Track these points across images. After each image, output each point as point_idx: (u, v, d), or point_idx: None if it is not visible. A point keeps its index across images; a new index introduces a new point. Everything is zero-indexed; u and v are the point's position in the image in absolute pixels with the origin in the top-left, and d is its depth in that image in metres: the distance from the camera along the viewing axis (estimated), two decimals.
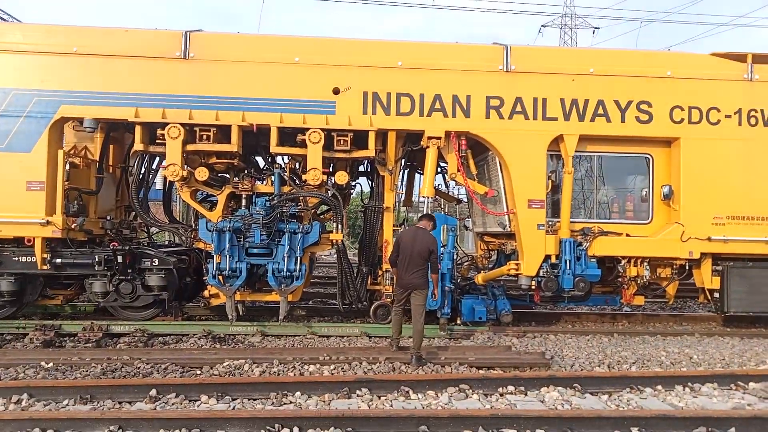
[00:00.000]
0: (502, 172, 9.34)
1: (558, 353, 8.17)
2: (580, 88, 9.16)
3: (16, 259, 8.81)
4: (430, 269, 7.56)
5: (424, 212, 9.34)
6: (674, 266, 9.42)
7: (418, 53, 9.21)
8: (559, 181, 9.34)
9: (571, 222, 9.24)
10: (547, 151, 9.16)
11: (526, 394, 6.22)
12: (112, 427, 4.91)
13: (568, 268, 9.01)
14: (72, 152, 9.58)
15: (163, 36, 8.93)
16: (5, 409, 5.52)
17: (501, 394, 6.20)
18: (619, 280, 9.56)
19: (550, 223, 9.22)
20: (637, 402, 6.08)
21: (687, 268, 9.43)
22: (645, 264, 9.32)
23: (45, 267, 8.72)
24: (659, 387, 6.51)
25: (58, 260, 8.80)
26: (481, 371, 7.10)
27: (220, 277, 8.77)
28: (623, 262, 9.34)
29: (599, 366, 7.67)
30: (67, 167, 9.01)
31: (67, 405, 5.67)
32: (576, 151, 9.18)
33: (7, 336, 8.53)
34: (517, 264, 9.20)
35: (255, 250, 8.89)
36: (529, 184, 9.05)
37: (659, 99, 9.21)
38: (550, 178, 9.30)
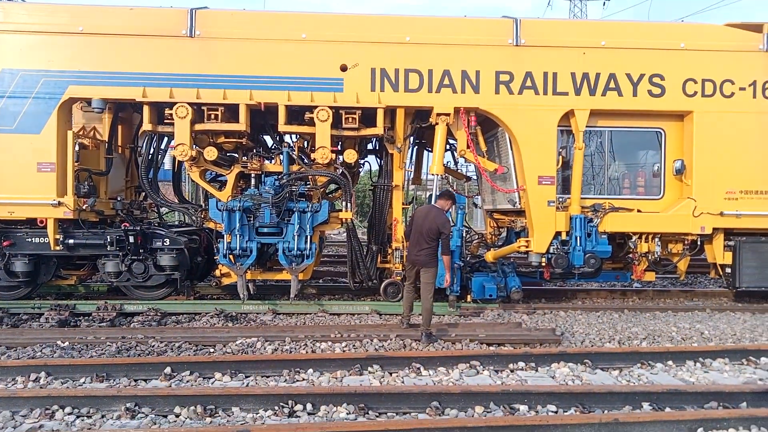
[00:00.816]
0: (512, 148, 9.26)
1: (568, 329, 8.19)
2: (591, 62, 9.01)
3: (30, 240, 8.90)
4: (441, 249, 7.50)
5: (434, 190, 9.32)
6: (686, 242, 9.36)
7: (426, 28, 9.08)
8: (570, 157, 9.25)
9: (582, 198, 9.17)
10: (558, 126, 9.06)
11: (536, 370, 6.26)
12: (128, 404, 4.99)
13: (578, 244, 8.98)
14: (81, 133, 9.60)
15: (168, 14, 8.85)
16: (24, 386, 5.63)
17: (512, 371, 6.24)
18: (630, 256, 9.52)
19: (561, 199, 9.16)
20: (647, 377, 6.10)
21: (699, 243, 9.37)
22: (656, 240, 9.27)
23: (58, 248, 8.80)
24: (670, 362, 6.53)
25: (71, 241, 8.87)
26: (491, 348, 7.15)
27: (231, 257, 8.82)
28: (634, 238, 9.29)
29: (610, 342, 7.68)
30: (77, 148, 9.03)
31: (84, 383, 5.78)
32: (587, 126, 9.07)
33: (23, 316, 8.66)
34: (527, 241, 9.19)
35: (265, 230, 8.92)
36: (539, 161, 8.97)
37: (672, 72, 9.06)
38: (560, 153, 9.21)
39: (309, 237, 8.83)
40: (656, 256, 9.30)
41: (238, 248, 8.74)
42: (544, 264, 9.26)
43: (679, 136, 9.35)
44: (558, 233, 9.04)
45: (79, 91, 8.70)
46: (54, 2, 8.98)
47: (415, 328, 7.67)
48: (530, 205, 9.00)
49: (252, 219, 8.85)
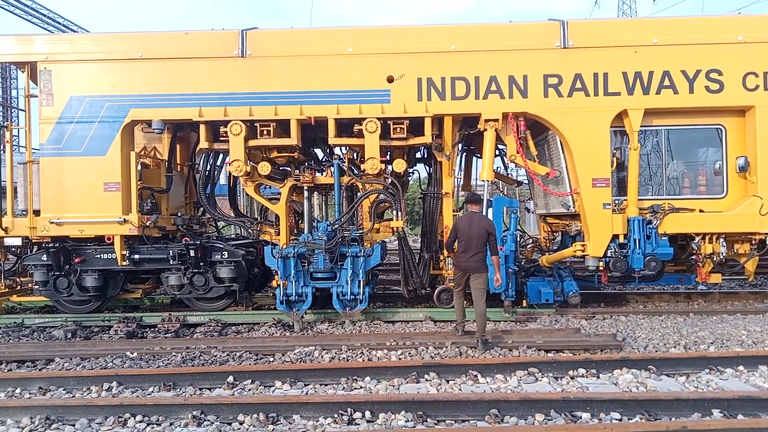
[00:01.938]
0: (563, 151, 9.12)
1: (630, 335, 7.96)
2: (643, 60, 8.79)
3: (99, 256, 9.38)
4: (490, 252, 7.52)
5: (481, 196, 9.27)
6: (753, 241, 8.95)
7: (471, 35, 9.08)
8: (625, 158, 9.02)
9: (639, 200, 8.93)
10: (611, 127, 8.86)
11: (598, 377, 6.12)
12: (195, 412, 5.18)
13: (637, 247, 8.72)
14: (143, 153, 10.06)
15: (220, 36, 9.19)
16: (98, 395, 5.93)
17: (572, 377, 6.12)
18: (694, 257, 9.17)
19: (617, 201, 8.94)
20: (717, 383, 5.87)
21: (767, 242, 8.93)
22: (721, 240, 8.90)
23: (124, 263, 9.23)
24: (741, 368, 6.25)
25: (136, 256, 9.30)
26: (549, 354, 7.03)
27: (288, 303, 8.88)
28: (697, 239, 8.95)
29: (675, 347, 7.41)
30: (139, 167, 9.48)
31: (152, 392, 6.03)
32: (642, 126, 8.83)
33: (95, 328, 9.12)
34: (583, 245, 8.99)
35: (319, 275, 8.96)
36: (592, 163, 8.80)
37: (730, 66, 8.72)
38: (614, 155, 9.00)
39: (361, 281, 8.82)
40: (722, 257, 8.92)
41: (294, 294, 8.81)
42: (601, 268, 9.04)
43: (741, 132, 8.97)
44: (615, 236, 8.82)
45: (140, 113, 9.15)
46: (116, 31, 9.49)
47: (470, 335, 7.63)
48: (585, 208, 8.82)
49: (306, 264, 8.91)
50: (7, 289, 10.26)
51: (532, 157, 9.32)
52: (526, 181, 11.37)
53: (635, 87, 8.79)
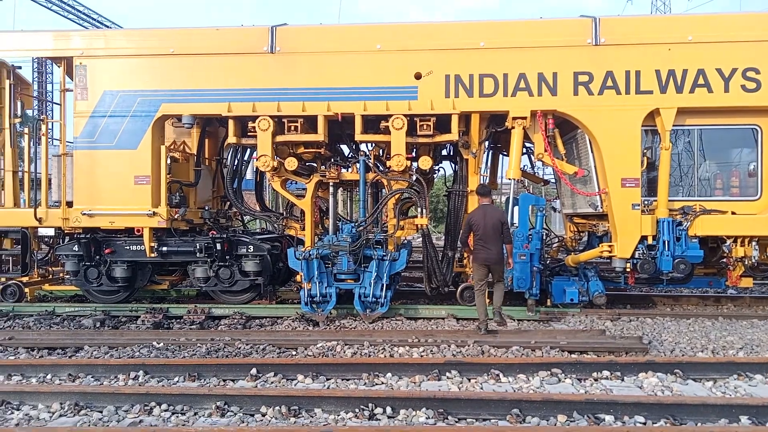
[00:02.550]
0: (592, 150, 8.98)
1: (656, 337, 7.82)
2: (677, 58, 8.60)
3: (128, 248, 9.58)
4: (504, 240, 7.86)
5: (510, 195, 9.21)
6: None
7: (500, 32, 9.01)
8: (656, 158, 8.85)
9: (670, 200, 8.74)
10: (642, 126, 8.69)
11: (622, 380, 6.03)
12: (218, 403, 5.26)
13: (666, 249, 8.55)
14: (172, 147, 10.23)
15: (251, 32, 9.28)
16: (125, 384, 6.06)
17: (595, 379, 6.04)
18: (724, 260, 8.97)
19: (646, 202, 8.78)
20: (745, 389, 5.73)
21: None
22: (753, 243, 8.68)
23: (153, 255, 9.41)
24: None
25: (164, 248, 9.47)
26: (573, 355, 6.95)
27: (312, 304, 8.92)
28: (729, 241, 8.74)
29: (702, 351, 7.25)
30: (169, 161, 9.64)
31: (177, 381, 6.14)
32: (674, 125, 8.65)
33: (122, 318, 9.32)
34: (610, 246, 8.85)
35: (343, 276, 8.96)
36: (622, 162, 8.65)
37: None
38: (645, 154, 8.82)
39: (384, 285, 8.80)
40: (754, 260, 8.71)
41: (318, 295, 8.83)
42: (628, 269, 8.89)
43: None
44: (644, 237, 8.66)
45: (171, 108, 9.30)
46: (150, 27, 9.66)
47: (492, 334, 7.61)
48: (613, 209, 8.68)
49: (330, 265, 8.92)
50: (39, 278, 10.56)
51: (560, 156, 9.20)
52: (553, 180, 11.25)
53: (668, 85, 8.61)
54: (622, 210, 8.65)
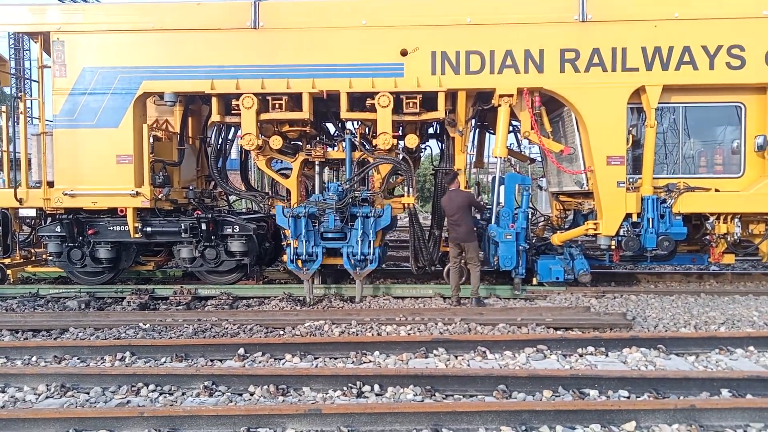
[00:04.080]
0: (578, 128, 8.98)
1: (640, 314, 7.93)
2: (663, 35, 8.58)
3: (111, 228, 9.47)
4: (479, 213, 8.57)
5: (497, 173, 9.20)
6: None
7: (487, 8, 8.89)
8: (641, 136, 8.88)
9: (654, 178, 8.80)
10: (628, 104, 8.70)
11: (607, 355, 6.11)
12: (206, 383, 5.25)
13: (650, 226, 8.64)
14: (155, 126, 10.07)
15: (233, 7, 9.09)
16: (112, 365, 6.03)
17: (581, 355, 6.12)
18: (707, 238, 9.08)
19: (631, 180, 8.83)
20: (726, 363, 5.84)
21: None
22: (736, 220, 8.79)
23: (137, 235, 9.32)
24: (751, 348, 6.22)
25: (149, 229, 9.37)
26: (558, 332, 7.02)
27: (298, 262, 8.97)
28: (711, 219, 8.84)
29: (685, 327, 7.38)
30: (152, 140, 9.48)
31: (164, 362, 6.12)
32: (659, 103, 8.67)
33: (108, 299, 9.24)
34: (595, 224, 8.92)
35: (330, 235, 9.01)
36: (607, 140, 8.67)
37: (753, 42, 8.48)
38: (630, 132, 8.85)
39: (372, 242, 8.86)
40: (736, 237, 8.82)
41: (304, 253, 8.87)
42: (613, 247, 8.98)
43: (761, 110, 8.75)
44: (629, 215, 8.73)
45: (152, 85, 9.12)
46: (129, 1, 9.43)
47: (471, 308, 7.94)
48: (599, 187, 8.73)
49: (317, 224, 8.96)
50: (22, 260, 10.42)
51: (547, 134, 9.20)
52: (540, 159, 11.26)
53: (654, 62, 8.60)
54: (607, 188, 8.69)
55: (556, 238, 9.46)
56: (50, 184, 9.40)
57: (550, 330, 7.13)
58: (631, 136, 8.84)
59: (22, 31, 10.91)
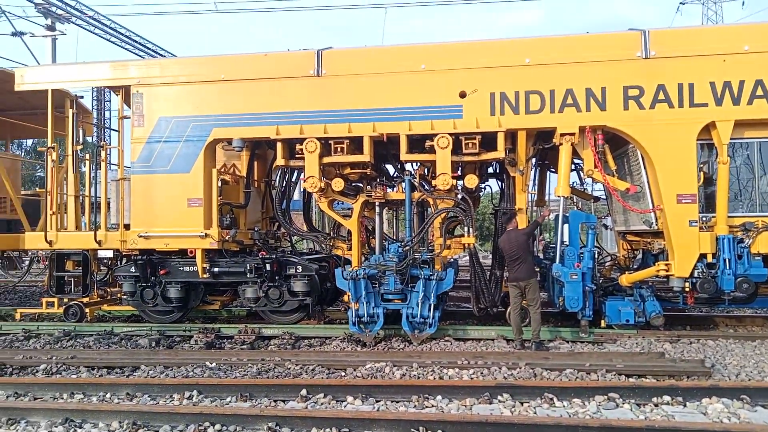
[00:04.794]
0: (645, 165, 8.73)
1: (720, 361, 7.46)
2: (733, 69, 8.31)
3: (182, 269, 9.86)
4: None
5: (560, 212, 9.02)
6: None
7: (545, 48, 8.91)
8: (713, 173, 8.52)
9: (729, 216, 8.38)
10: (697, 140, 8.40)
11: (684, 405, 5.75)
12: (270, 424, 5.29)
13: (727, 267, 8.18)
14: (223, 170, 10.51)
15: (297, 57, 9.50)
16: (180, 403, 6.18)
17: (656, 405, 5.79)
18: None
19: (704, 218, 8.44)
20: None
21: None
22: None
23: (205, 275, 9.64)
24: None
25: (216, 269, 9.69)
26: (631, 379, 6.68)
27: (360, 324, 8.92)
28: None
29: None
30: (220, 184, 9.90)
31: (229, 401, 6.22)
32: (731, 138, 8.33)
33: (176, 338, 9.55)
34: (667, 264, 8.53)
35: (390, 296, 8.96)
36: (677, 178, 8.37)
37: None
38: (701, 169, 8.51)
39: (432, 305, 8.73)
40: None
41: (365, 315, 8.86)
42: (687, 289, 8.54)
43: None
44: (703, 255, 8.32)
45: (222, 132, 9.58)
46: (202, 55, 10.03)
47: (540, 354, 7.51)
48: (669, 226, 8.38)
49: (377, 285, 8.93)
50: (99, 299, 10.98)
51: (611, 172, 8.97)
52: (604, 197, 10.97)
53: (724, 97, 8.31)
54: (678, 227, 8.34)
55: (625, 279, 9.10)
56: (126, 227, 9.94)
57: (622, 377, 6.80)
58: (702, 173, 8.51)
59: (105, 86, 11.75)
